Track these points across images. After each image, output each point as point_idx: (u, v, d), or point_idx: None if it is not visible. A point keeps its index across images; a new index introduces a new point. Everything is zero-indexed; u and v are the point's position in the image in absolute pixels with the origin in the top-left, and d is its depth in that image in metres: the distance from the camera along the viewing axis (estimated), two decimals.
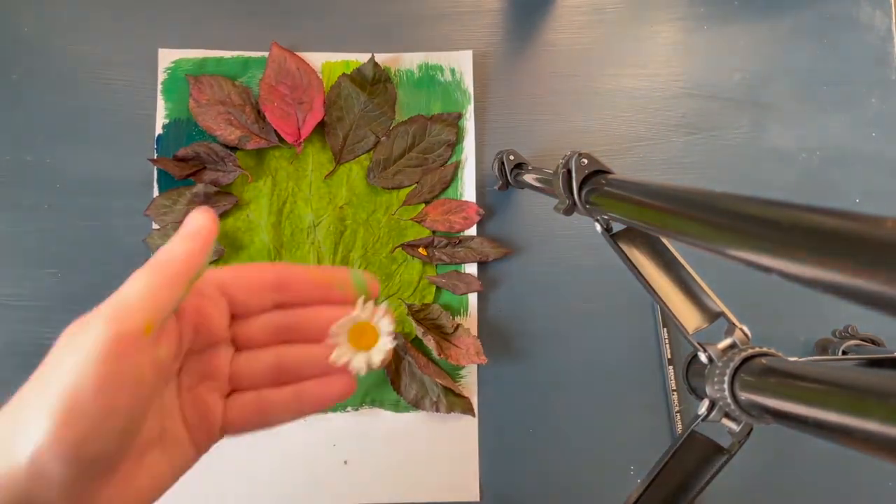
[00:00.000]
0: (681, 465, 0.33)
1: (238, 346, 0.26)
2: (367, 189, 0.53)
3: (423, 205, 0.53)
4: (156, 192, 0.51)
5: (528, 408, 0.51)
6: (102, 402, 0.19)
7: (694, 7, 0.57)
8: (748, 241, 0.21)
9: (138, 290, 0.21)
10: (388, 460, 0.50)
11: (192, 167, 0.50)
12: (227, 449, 0.49)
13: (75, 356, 0.19)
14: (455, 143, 0.53)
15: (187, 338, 0.24)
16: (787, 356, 0.28)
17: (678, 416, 0.51)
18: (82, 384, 0.19)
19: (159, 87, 0.52)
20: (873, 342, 0.50)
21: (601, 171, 0.36)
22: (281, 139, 0.51)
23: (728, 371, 0.28)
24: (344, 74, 0.52)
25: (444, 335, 0.50)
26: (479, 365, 0.51)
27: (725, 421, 0.31)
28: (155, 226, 0.50)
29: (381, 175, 0.52)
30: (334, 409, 0.50)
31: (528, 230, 0.53)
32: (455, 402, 0.50)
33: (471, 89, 0.54)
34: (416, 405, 0.50)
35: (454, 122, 0.53)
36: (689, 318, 0.35)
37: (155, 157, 0.51)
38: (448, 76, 0.54)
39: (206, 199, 0.50)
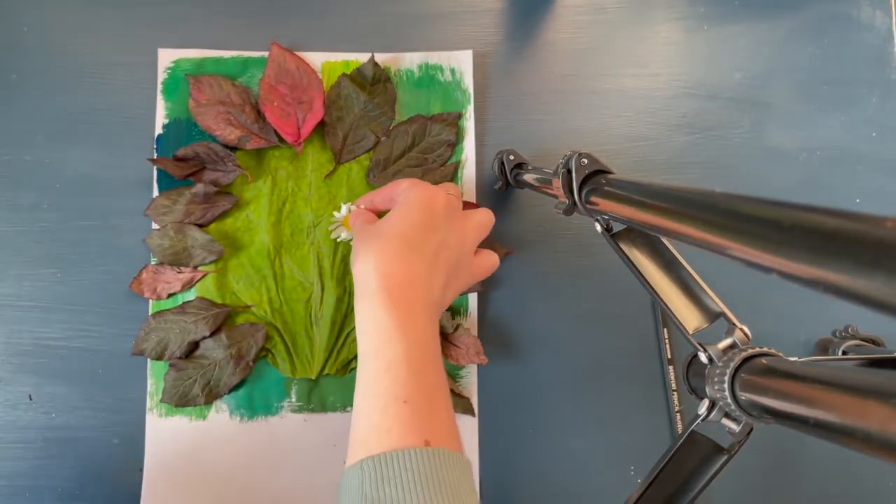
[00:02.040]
0: (681, 465, 0.33)
1: None
2: (368, 189, 0.53)
3: None
4: (155, 192, 0.51)
5: (528, 408, 0.51)
6: None
7: (694, 7, 0.57)
8: (748, 241, 0.21)
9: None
10: None
11: (192, 167, 0.50)
12: (225, 449, 0.49)
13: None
14: (455, 143, 0.53)
15: None
16: (787, 356, 0.28)
17: (678, 416, 0.51)
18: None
19: (159, 86, 0.52)
20: (874, 342, 0.50)
21: (601, 171, 0.36)
22: (281, 139, 0.51)
23: (728, 371, 0.28)
24: (344, 74, 0.52)
25: (443, 335, 0.50)
26: (479, 365, 0.51)
27: (725, 421, 0.31)
28: (155, 226, 0.50)
29: (381, 175, 0.52)
30: (333, 410, 0.50)
31: (528, 230, 0.53)
32: (455, 402, 0.50)
33: (471, 89, 0.54)
34: None
35: (454, 121, 0.53)
36: (690, 317, 0.35)
37: (155, 157, 0.51)
38: (448, 76, 0.54)
39: (206, 199, 0.50)
